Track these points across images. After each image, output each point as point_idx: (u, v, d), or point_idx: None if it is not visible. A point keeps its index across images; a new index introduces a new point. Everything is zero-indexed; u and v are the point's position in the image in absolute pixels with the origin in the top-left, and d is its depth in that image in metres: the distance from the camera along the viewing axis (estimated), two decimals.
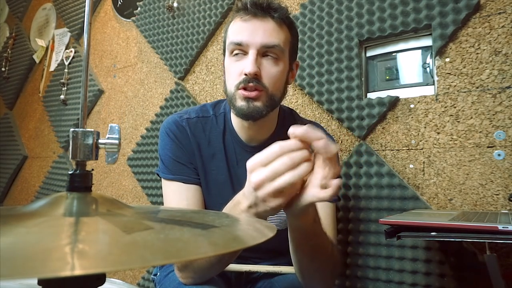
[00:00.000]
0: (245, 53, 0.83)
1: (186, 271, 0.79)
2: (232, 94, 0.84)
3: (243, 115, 0.84)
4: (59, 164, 2.35)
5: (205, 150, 0.93)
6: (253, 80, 0.81)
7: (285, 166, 0.57)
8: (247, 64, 0.81)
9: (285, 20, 0.86)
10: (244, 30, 0.83)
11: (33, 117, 2.66)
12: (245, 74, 0.81)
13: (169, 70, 1.79)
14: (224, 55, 0.92)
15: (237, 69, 0.83)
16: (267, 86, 0.83)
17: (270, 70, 0.83)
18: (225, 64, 0.89)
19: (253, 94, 0.82)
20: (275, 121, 0.96)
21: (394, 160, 1.11)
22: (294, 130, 0.58)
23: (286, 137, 0.68)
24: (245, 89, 0.82)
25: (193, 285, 0.81)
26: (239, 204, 0.67)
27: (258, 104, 0.83)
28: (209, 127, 0.95)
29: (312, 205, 0.62)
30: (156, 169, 1.00)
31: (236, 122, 0.94)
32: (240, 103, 0.83)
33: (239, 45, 0.83)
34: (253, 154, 0.96)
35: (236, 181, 0.94)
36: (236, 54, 0.84)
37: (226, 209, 0.71)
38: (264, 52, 0.83)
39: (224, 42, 0.91)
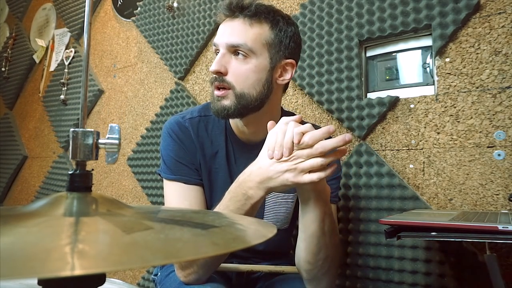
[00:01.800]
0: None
1: (188, 269, 0.80)
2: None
3: (213, 113, 0.88)
4: (59, 164, 2.35)
5: (208, 149, 0.93)
6: (218, 78, 0.85)
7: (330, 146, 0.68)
8: (213, 64, 0.86)
9: (255, 17, 0.85)
10: (219, 32, 0.89)
11: (33, 117, 2.66)
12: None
13: (169, 70, 1.79)
14: None
15: None
16: (233, 84, 0.85)
17: (237, 68, 0.85)
18: None
19: (220, 92, 0.86)
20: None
21: (394, 160, 1.11)
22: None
23: None
24: (215, 88, 0.87)
25: (195, 282, 0.81)
26: (249, 179, 0.75)
27: (225, 102, 0.86)
28: (211, 126, 0.95)
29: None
30: (157, 169, 1.01)
31: (233, 122, 0.94)
32: (213, 101, 0.88)
33: (215, 47, 0.89)
34: (250, 153, 0.96)
35: (235, 179, 0.94)
36: (217, 55, 0.89)
37: (230, 191, 0.77)
38: (234, 51, 0.86)
39: None
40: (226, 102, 0.85)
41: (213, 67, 0.84)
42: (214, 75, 0.86)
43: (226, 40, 0.85)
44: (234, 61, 0.85)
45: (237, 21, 0.86)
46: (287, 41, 0.89)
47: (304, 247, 0.81)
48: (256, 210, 0.77)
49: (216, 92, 0.86)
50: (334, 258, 0.84)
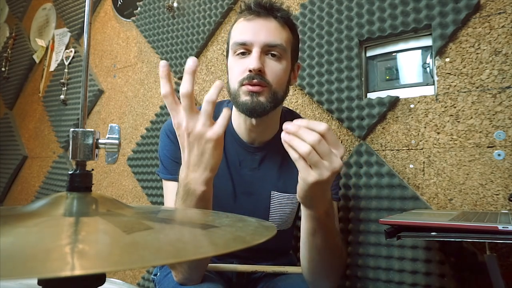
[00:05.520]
0: (249, 51, 0.85)
1: (174, 269, 0.82)
2: (236, 90, 0.85)
3: (247, 109, 0.84)
4: (59, 164, 2.35)
5: None
6: (257, 76, 0.83)
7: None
8: (252, 61, 0.83)
9: (287, 21, 0.89)
10: (248, 29, 0.86)
11: (33, 117, 2.66)
12: (249, 71, 0.83)
13: None
14: (227, 56, 0.92)
15: (241, 67, 0.85)
16: (271, 82, 0.85)
17: (273, 67, 0.85)
18: (228, 63, 0.91)
19: (256, 88, 0.83)
20: (277, 122, 0.96)
21: (394, 160, 1.11)
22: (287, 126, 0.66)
23: None
24: (249, 84, 0.84)
25: (185, 282, 0.81)
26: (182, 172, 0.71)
27: (261, 99, 0.84)
28: None
29: (323, 195, 0.69)
30: (157, 169, 1.01)
31: (238, 123, 0.94)
32: (244, 98, 0.84)
33: (243, 45, 0.85)
34: (256, 155, 0.96)
35: (238, 182, 0.94)
36: (240, 53, 0.86)
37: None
38: (267, 50, 0.85)
39: (228, 43, 0.92)
40: (262, 99, 0.84)
41: (256, 65, 0.82)
42: (249, 73, 0.83)
43: (264, 38, 0.84)
44: (268, 60, 0.85)
45: (272, 22, 0.86)
46: (298, 47, 0.95)
47: (301, 251, 0.81)
48: (203, 204, 0.72)
49: (252, 88, 0.83)
50: (333, 266, 0.83)
